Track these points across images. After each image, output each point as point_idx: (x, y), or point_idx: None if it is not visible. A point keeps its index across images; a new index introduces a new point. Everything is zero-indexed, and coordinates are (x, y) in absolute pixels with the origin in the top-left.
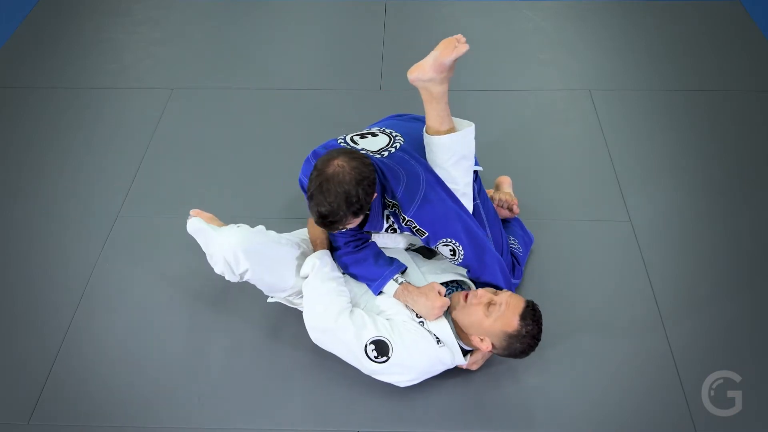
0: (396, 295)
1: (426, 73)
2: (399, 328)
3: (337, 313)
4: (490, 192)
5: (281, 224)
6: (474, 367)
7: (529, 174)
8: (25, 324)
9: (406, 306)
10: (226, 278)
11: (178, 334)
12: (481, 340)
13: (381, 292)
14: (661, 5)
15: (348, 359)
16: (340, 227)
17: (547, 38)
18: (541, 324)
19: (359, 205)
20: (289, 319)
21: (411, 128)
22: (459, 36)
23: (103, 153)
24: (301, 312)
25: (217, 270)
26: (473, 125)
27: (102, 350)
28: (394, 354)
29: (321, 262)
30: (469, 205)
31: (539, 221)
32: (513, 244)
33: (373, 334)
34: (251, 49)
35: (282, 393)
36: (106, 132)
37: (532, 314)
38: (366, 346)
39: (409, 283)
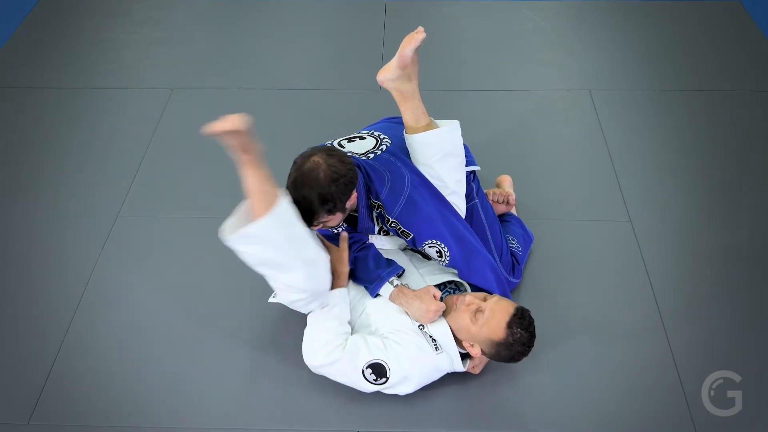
0: (391, 298)
1: (392, 71)
2: (392, 345)
3: (330, 350)
4: (488, 191)
5: None
6: (475, 371)
7: (529, 174)
8: (25, 324)
9: (406, 313)
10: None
11: (177, 334)
12: (471, 345)
13: (378, 295)
14: (661, 5)
15: (350, 385)
16: (316, 224)
17: (547, 38)
18: (533, 331)
19: (332, 203)
20: (289, 319)
21: (400, 131)
22: (419, 28)
23: (103, 153)
24: (299, 311)
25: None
26: (457, 122)
27: (102, 350)
28: (392, 374)
29: (331, 305)
30: (461, 205)
31: (539, 221)
32: (512, 243)
33: (368, 359)
34: (251, 49)
35: (282, 393)
36: (106, 132)
37: (519, 322)
38: (363, 371)
39: (405, 285)
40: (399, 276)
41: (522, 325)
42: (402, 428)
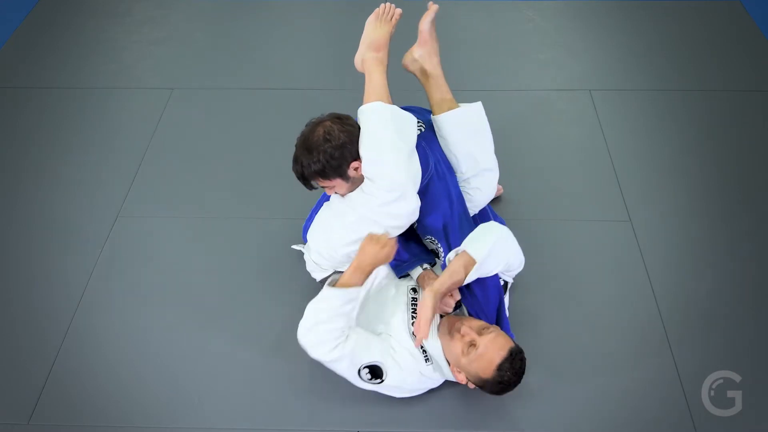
0: (419, 279)
1: (413, 50)
2: (394, 347)
3: (331, 348)
4: None
5: (281, 224)
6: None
7: (529, 174)
8: (25, 324)
9: (408, 323)
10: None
11: (177, 335)
12: (458, 372)
13: (407, 275)
14: (661, 5)
15: (344, 377)
16: (311, 185)
17: (547, 38)
18: (522, 373)
19: (321, 166)
20: (289, 319)
21: (427, 115)
22: (430, 3)
23: (103, 153)
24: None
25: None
26: (480, 102)
27: (102, 350)
28: (388, 377)
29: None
30: (494, 181)
31: (539, 221)
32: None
33: (365, 360)
34: (252, 48)
35: (282, 393)
36: (106, 132)
37: (510, 366)
38: (360, 370)
39: (432, 270)
40: (432, 266)
41: (512, 368)
42: (402, 428)
